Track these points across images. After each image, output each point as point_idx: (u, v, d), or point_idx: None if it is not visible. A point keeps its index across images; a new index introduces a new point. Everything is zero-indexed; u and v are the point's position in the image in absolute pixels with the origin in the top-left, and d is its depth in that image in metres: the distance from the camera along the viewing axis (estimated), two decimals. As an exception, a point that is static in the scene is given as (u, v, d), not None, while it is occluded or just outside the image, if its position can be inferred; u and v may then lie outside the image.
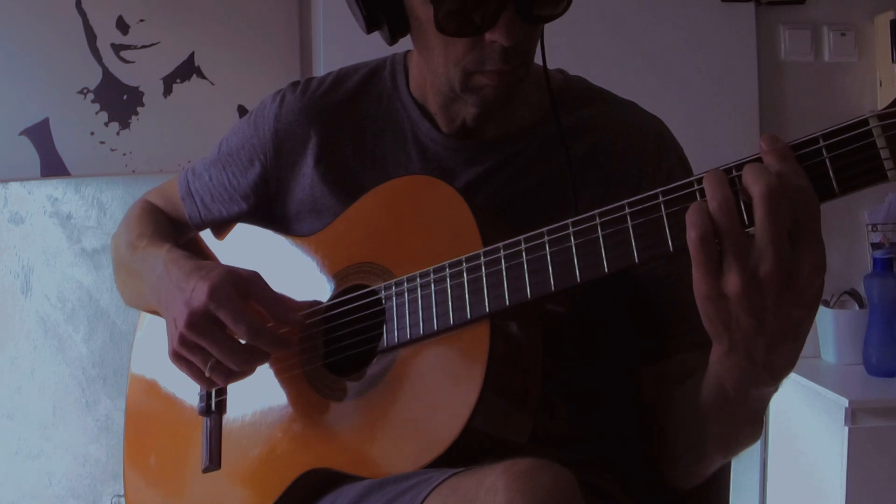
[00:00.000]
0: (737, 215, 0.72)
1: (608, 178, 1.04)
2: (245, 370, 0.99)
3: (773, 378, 0.79)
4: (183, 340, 0.97)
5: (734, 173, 0.75)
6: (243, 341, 0.98)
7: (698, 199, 0.77)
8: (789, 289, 0.72)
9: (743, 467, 2.27)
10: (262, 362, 1.00)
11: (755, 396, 0.83)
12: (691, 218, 0.73)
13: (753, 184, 0.71)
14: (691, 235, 0.73)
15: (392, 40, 1.01)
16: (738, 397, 0.82)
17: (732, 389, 0.81)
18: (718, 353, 0.80)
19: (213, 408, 1.06)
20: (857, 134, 0.71)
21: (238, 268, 1.01)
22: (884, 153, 0.70)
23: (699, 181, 0.77)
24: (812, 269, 0.72)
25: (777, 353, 0.77)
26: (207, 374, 0.98)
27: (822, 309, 2.15)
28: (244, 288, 0.98)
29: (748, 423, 0.88)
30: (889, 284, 2.09)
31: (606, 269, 0.82)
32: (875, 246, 2.26)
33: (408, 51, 1.12)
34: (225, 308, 0.96)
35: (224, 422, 1.05)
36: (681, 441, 0.95)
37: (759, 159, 0.74)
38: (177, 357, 1.00)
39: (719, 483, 1.09)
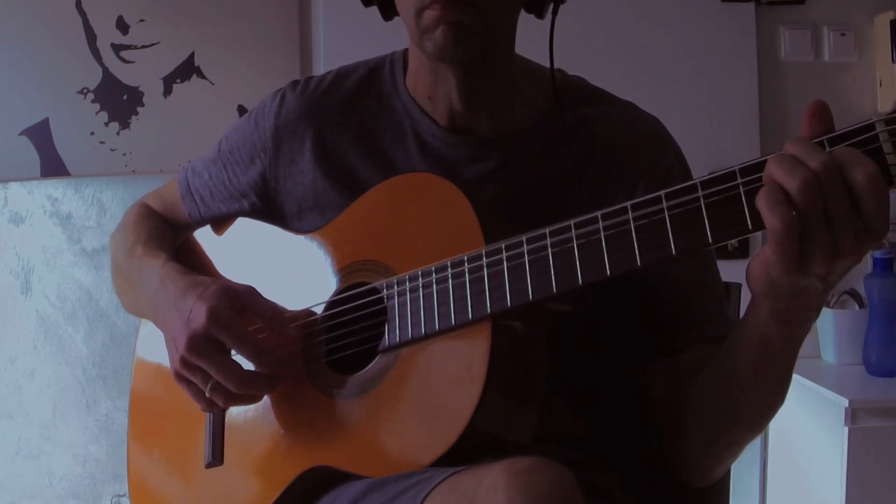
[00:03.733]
0: (820, 196, 0.70)
1: (606, 176, 1.05)
2: (245, 393, 0.99)
3: (818, 311, 0.81)
4: (184, 362, 0.98)
5: (738, 180, 0.75)
6: (247, 361, 0.98)
7: (702, 203, 0.77)
8: (862, 251, 0.73)
9: (743, 467, 2.27)
10: (263, 389, 1.00)
11: (798, 336, 0.83)
12: (775, 208, 0.70)
13: (810, 158, 0.70)
14: (775, 225, 0.70)
15: (385, 16, 1.06)
16: (782, 342, 0.83)
17: (777, 335, 0.82)
18: (770, 309, 0.80)
19: None
20: (864, 139, 0.71)
21: (233, 283, 1.02)
22: (890, 158, 0.70)
23: (703, 185, 0.77)
24: (880, 230, 0.71)
25: (826, 293, 0.78)
26: (207, 395, 0.98)
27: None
28: (240, 304, 0.99)
29: (783, 372, 0.87)
30: (889, 284, 2.09)
31: (609, 272, 0.82)
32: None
33: (405, 49, 1.13)
34: (226, 331, 0.96)
35: (227, 418, 1.05)
36: (708, 431, 0.95)
37: (763, 163, 0.74)
38: (179, 378, 1.00)
39: (719, 483, 1.08)
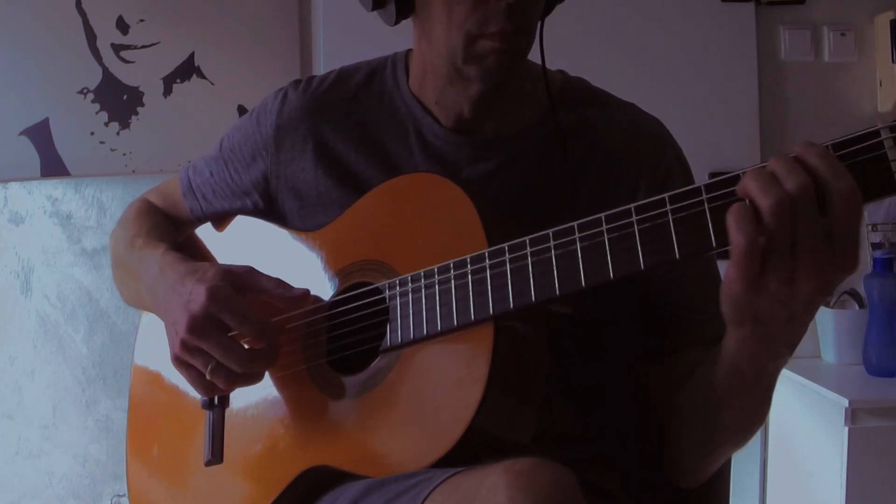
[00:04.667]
0: (790, 219, 0.70)
1: (606, 177, 1.05)
2: (248, 373, 0.98)
3: (790, 349, 0.81)
4: (184, 345, 0.97)
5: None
6: (247, 343, 0.98)
7: (706, 207, 0.76)
8: (826, 282, 0.73)
9: (743, 467, 2.27)
10: (265, 365, 0.99)
11: (771, 370, 0.84)
12: (742, 226, 0.71)
13: (788, 179, 0.70)
14: (740, 242, 0.71)
15: (395, 20, 1.03)
16: (753, 375, 0.83)
17: (748, 368, 0.82)
18: (738, 338, 0.80)
19: (216, 402, 1.05)
20: (869, 145, 0.71)
21: (232, 265, 1.01)
22: (895, 165, 0.70)
23: (707, 189, 0.77)
24: (848, 265, 0.72)
25: (797, 328, 0.78)
26: (208, 377, 0.97)
27: (821, 309, 2.15)
28: (241, 283, 0.98)
29: (759, 403, 0.88)
30: (889, 284, 2.09)
31: (612, 275, 0.82)
32: (875, 246, 2.26)
33: (408, 50, 1.13)
34: (227, 309, 0.96)
35: (227, 416, 1.05)
36: (691, 437, 0.96)
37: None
38: (179, 362, 0.99)
39: (719, 483, 1.09)
